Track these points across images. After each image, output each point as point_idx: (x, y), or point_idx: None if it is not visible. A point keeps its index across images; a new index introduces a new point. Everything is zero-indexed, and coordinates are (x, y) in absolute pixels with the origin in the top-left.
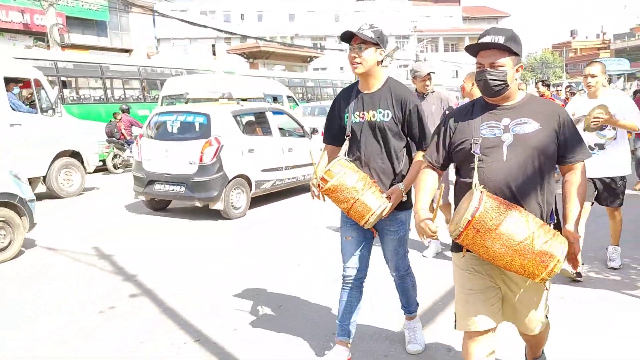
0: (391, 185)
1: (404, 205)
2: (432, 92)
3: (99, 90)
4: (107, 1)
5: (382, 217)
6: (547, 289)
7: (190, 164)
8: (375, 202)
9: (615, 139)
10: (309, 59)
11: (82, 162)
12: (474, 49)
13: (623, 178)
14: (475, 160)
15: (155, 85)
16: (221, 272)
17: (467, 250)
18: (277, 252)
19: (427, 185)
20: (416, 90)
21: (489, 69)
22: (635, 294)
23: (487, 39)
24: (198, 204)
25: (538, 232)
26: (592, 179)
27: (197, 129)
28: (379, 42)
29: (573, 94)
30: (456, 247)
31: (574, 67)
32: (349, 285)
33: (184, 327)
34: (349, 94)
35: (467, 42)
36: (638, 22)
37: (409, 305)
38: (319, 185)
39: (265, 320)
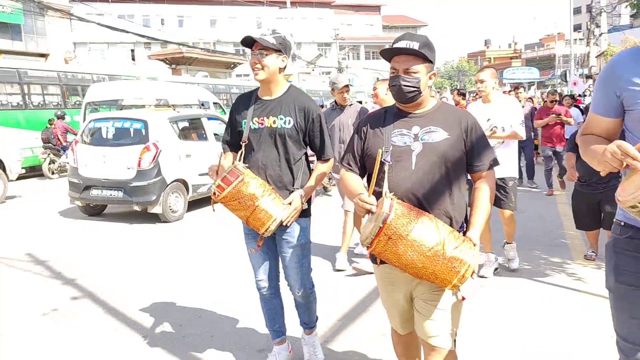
0: (288, 191)
1: (304, 213)
2: (350, 105)
3: (16, 96)
4: (22, 4)
5: (283, 225)
6: (461, 299)
7: (129, 169)
8: (276, 209)
9: (503, 142)
10: (232, 66)
11: (4, 170)
12: (389, 54)
13: (513, 179)
14: (386, 168)
15: (75, 91)
16: (161, 275)
17: (382, 262)
18: (214, 255)
19: (355, 182)
20: (335, 102)
21: (402, 74)
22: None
23: (401, 44)
24: (137, 207)
25: (448, 238)
26: None
27: (135, 134)
28: (281, 48)
29: None
30: (372, 258)
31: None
32: (267, 296)
33: (131, 327)
34: (248, 99)
35: None
36: (547, 33)
37: (311, 321)
38: (214, 194)
39: (207, 319)
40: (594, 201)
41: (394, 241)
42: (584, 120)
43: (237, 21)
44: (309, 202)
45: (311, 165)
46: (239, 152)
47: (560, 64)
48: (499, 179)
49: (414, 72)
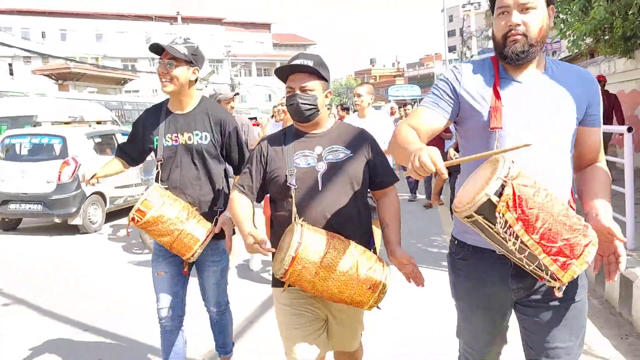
0: (211, 211)
1: (224, 235)
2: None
3: None
4: None
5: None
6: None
7: (48, 182)
8: (201, 232)
9: None
10: (123, 82)
11: None
12: (284, 72)
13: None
14: (292, 192)
15: None
16: (82, 284)
17: (289, 285)
18: (134, 265)
19: (245, 209)
20: None
21: (299, 92)
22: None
23: (297, 62)
24: (57, 219)
25: (361, 260)
26: None
27: (54, 149)
28: (192, 59)
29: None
30: (276, 282)
31: (375, 93)
32: (168, 327)
33: (53, 334)
34: (158, 114)
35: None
36: (426, 54)
37: (226, 345)
38: (133, 219)
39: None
40: None
41: (307, 269)
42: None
43: (125, 36)
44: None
45: None
46: (156, 173)
47: None
48: None
49: (311, 90)
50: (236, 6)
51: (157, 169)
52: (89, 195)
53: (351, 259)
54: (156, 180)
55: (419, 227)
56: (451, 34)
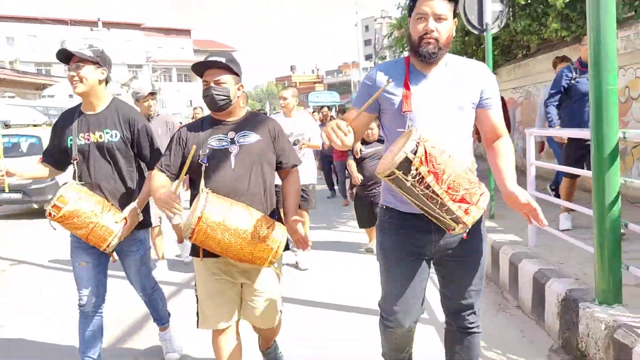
0: (126, 205)
1: (142, 224)
2: (157, 115)
3: None
4: None
5: (121, 239)
6: (279, 274)
7: None
8: (115, 225)
9: (304, 154)
10: (42, 87)
11: None
12: (200, 68)
13: (312, 184)
14: (203, 168)
15: None
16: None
17: (205, 255)
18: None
19: (161, 180)
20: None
21: (213, 85)
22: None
23: (211, 59)
24: (36, 205)
25: (260, 222)
26: None
27: (30, 147)
28: (99, 61)
29: None
30: (194, 252)
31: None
32: (88, 314)
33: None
34: (72, 115)
35: None
36: (344, 62)
37: (161, 318)
38: (50, 214)
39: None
40: (367, 202)
41: (213, 228)
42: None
43: (38, 40)
44: (147, 213)
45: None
46: (73, 171)
47: (357, 88)
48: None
49: (223, 83)
50: (155, 12)
51: (73, 167)
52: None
53: (251, 220)
54: (73, 178)
55: (338, 221)
56: (367, 42)
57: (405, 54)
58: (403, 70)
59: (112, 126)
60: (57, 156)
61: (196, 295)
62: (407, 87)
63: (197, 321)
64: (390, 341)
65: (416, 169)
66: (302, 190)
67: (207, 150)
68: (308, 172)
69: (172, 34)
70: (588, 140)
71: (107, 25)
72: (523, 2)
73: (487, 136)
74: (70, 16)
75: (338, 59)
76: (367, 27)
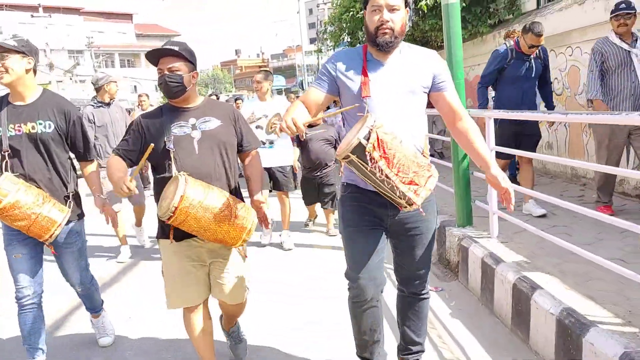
0: (61, 196)
1: (77, 216)
2: (114, 102)
3: None
4: None
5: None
6: (245, 256)
7: None
8: (58, 214)
9: (280, 137)
10: None
11: None
12: (155, 56)
13: (289, 166)
14: (172, 154)
15: None
16: None
17: (174, 238)
18: None
19: (119, 165)
20: (97, 99)
21: (167, 72)
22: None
23: (165, 46)
24: None
25: (234, 202)
26: (266, 169)
27: None
28: (24, 50)
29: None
30: (162, 235)
31: (241, 82)
32: (29, 306)
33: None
34: None
35: (142, 58)
36: (288, 45)
37: (95, 307)
38: None
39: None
40: (314, 184)
41: (194, 207)
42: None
43: None
44: (80, 204)
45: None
46: (3, 163)
47: (303, 72)
48: (280, 167)
49: (177, 70)
50: None
51: (3, 160)
52: None
53: (226, 200)
54: (6, 170)
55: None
56: (312, 26)
57: (337, 48)
58: (361, 58)
59: (45, 117)
60: None
61: (163, 278)
62: (365, 74)
63: (166, 302)
64: (359, 319)
65: (369, 154)
66: (281, 172)
67: (172, 137)
68: (286, 155)
69: (113, 18)
70: (520, 121)
71: (47, 10)
72: (430, 5)
73: (448, 118)
74: (6, 1)
75: (282, 43)
76: (310, 11)
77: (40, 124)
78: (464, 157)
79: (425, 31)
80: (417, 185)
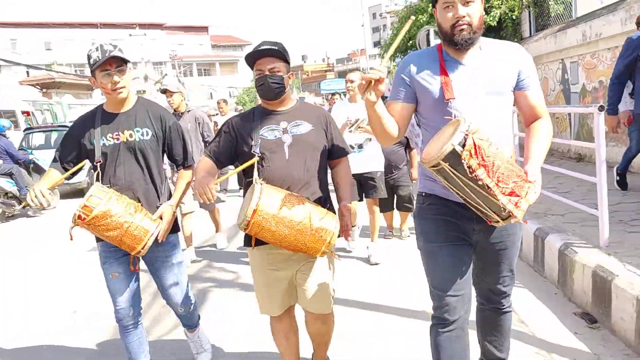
0: (155, 206)
1: (174, 228)
2: (188, 111)
3: None
4: None
5: (158, 241)
6: (337, 257)
7: None
8: (150, 224)
9: (371, 140)
10: (93, 88)
11: None
12: (253, 58)
13: (380, 172)
14: (256, 159)
15: None
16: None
17: (257, 244)
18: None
19: (207, 165)
20: (175, 111)
21: (268, 73)
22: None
23: (265, 47)
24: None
25: (314, 212)
26: (354, 176)
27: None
28: (129, 59)
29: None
30: (247, 242)
31: (308, 87)
32: (130, 325)
33: None
34: (92, 117)
35: (217, 67)
36: (352, 50)
37: (193, 324)
38: (80, 217)
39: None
40: (388, 187)
41: (267, 220)
42: None
43: (73, 43)
44: (175, 216)
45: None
46: (95, 173)
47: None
48: (367, 172)
49: (278, 71)
50: (175, 11)
51: (95, 170)
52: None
53: (305, 211)
54: (97, 180)
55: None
56: (375, 30)
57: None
58: (436, 57)
59: (142, 124)
60: (70, 158)
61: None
62: (445, 74)
63: (259, 307)
64: (444, 349)
65: (467, 162)
66: (371, 178)
67: (259, 141)
68: (375, 160)
69: (191, 32)
70: None
71: (133, 26)
72: None
73: (526, 117)
74: (100, 19)
75: (347, 47)
76: (374, 15)
77: (137, 131)
78: None
79: None
80: (519, 196)
